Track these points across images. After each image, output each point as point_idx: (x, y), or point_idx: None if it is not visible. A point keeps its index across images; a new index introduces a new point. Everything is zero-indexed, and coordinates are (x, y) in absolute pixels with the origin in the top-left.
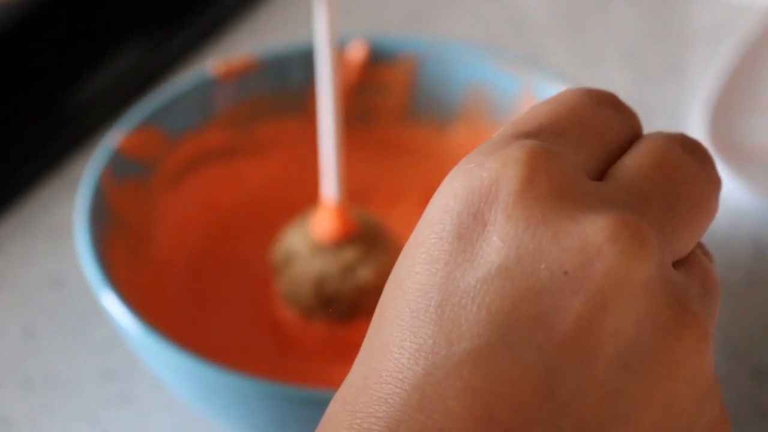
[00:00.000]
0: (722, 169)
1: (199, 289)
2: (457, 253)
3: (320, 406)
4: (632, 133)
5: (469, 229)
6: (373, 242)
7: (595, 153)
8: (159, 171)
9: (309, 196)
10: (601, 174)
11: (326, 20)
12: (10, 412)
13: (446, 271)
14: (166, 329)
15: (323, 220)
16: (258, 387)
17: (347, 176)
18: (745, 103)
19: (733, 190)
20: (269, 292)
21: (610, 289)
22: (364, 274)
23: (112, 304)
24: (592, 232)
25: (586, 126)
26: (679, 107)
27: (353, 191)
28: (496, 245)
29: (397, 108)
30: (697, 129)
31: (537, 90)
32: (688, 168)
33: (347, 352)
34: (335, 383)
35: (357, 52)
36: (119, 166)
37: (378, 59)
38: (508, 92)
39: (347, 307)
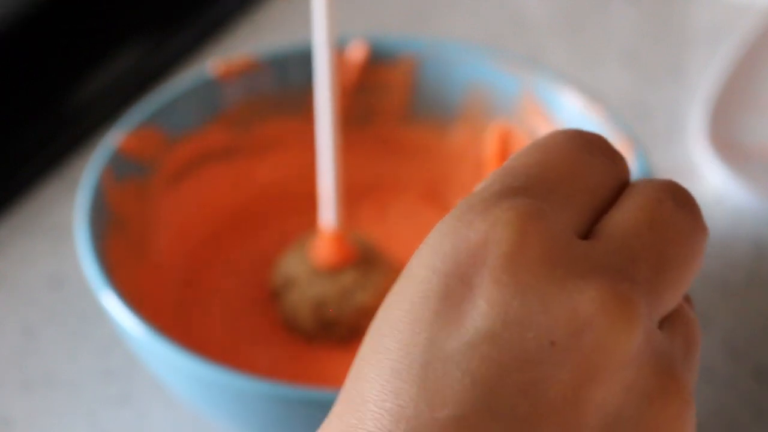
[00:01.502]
0: (722, 169)
1: (199, 289)
2: (442, 314)
3: (320, 406)
4: (621, 180)
5: (456, 290)
6: (369, 265)
7: (585, 207)
8: (159, 171)
9: (309, 196)
10: (590, 227)
11: (325, 28)
12: (10, 412)
13: (430, 333)
14: (166, 329)
15: (322, 247)
16: (258, 387)
17: (346, 177)
18: (745, 103)
19: (733, 190)
20: (270, 291)
21: (597, 361)
22: (363, 297)
23: (112, 304)
24: (582, 302)
25: (575, 178)
26: (679, 107)
27: (353, 191)
28: (482, 309)
29: (397, 108)
30: (697, 129)
31: (537, 90)
32: (677, 224)
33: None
34: (335, 383)
35: (357, 52)
36: (119, 166)
37: (378, 59)
38: (508, 92)
39: (347, 330)
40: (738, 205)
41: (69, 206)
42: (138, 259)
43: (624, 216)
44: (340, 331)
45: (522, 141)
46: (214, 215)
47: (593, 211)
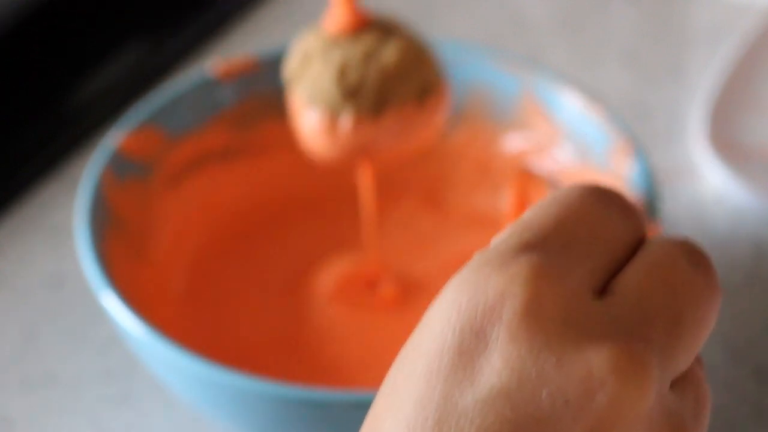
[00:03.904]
0: (722, 169)
1: (199, 289)
2: (457, 369)
3: (320, 406)
4: (637, 236)
5: (471, 345)
6: (388, 29)
7: (600, 264)
8: (159, 171)
9: (309, 196)
10: (605, 283)
11: None
12: (11, 412)
13: (445, 387)
14: (166, 329)
15: (335, 11)
16: (258, 387)
17: None
18: (745, 103)
19: (733, 190)
20: (269, 291)
21: (610, 421)
22: (387, 55)
23: (112, 304)
24: (596, 362)
25: (591, 234)
26: (679, 107)
27: (353, 190)
28: (497, 366)
29: None
30: (697, 129)
31: (537, 90)
32: (692, 284)
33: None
34: (335, 383)
35: None
36: (119, 166)
37: None
38: (508, 92)
39: (373, 96)
40: (738, 205)
41: (69, 206)
42: (138, 259)
43: (639, 275)
44: (367, 99)
45: (541, 185)
46: (213, 215)
47: (609, 266)
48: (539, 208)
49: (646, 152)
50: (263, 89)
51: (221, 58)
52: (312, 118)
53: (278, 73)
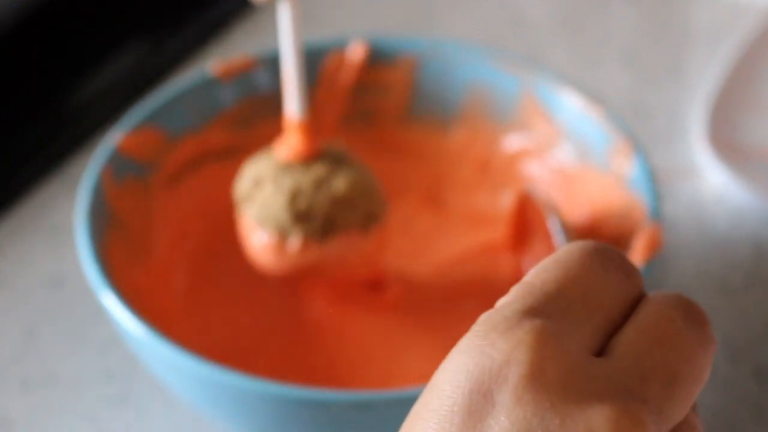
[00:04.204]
0: (722, 169)
1: (199, 289)
2: (467, 428)
3: (320, 406)
4: (635, 295)
5: (479, 407)
6: (339, 159)
7: (600, 324)
8: (159, 171)
9: None
10: (605, 341)
11: None
12: (11, 412)
13: None
14: (166, 329)
15: (290, 138)
16: (258, 387)
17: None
18: (745, 103)
19: (733, 190)
20: (268, 291)
21: None
22: (338, 185)
23: (112, 304)
24: (597, 421)
25: (591, 296)
26: (679, 107)
27: None
28: (504, 426)
29: (397, 108)
30: (697, 129)
31: (537, 90)
32: (687, 342)
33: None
34: (334, 383)
35: (357, 52)
36: (119, 166)
37: (378, 59)
38: (508, 92)
39: (322, 222)
40: (738, 205)
41: (69, 206)
42: (138, 259)
43: (636, 335)
44: (315, 224)
45: (540, 210)
46: (213, 214)
47: (607, 327)
48: (541, 271)
49: (646, 152)
50: (263, 89)
51: (221, 58)
52: (262, 238)
53: (278, 74)
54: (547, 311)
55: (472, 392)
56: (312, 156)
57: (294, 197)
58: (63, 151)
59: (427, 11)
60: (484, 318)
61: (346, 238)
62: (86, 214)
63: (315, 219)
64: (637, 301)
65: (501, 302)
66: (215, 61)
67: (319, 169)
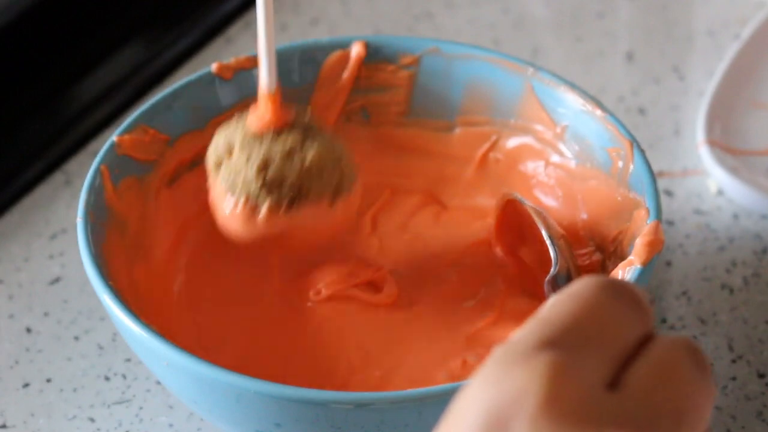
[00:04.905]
0: (722, 169)
1: (199, 288)
2: None
3: (320, 406)
4: (646, 330)
5: None
6: (309, 129)
7: (612, 358)
8: (159, 171)
9: None
10: (617, 374)
11: None
12: (10, 412)
13: None
14: (166, 329)
15: (261, 108)
16: (257, 387)
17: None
18: (745, 103)
19: (733, 190)
20: (268, 290)
21: None
22: (307, 155)
23: (111, 303)
24: None
25: (605, 330)
26: (679, 107)
27: None
28: None
29: (397, 107)
30: (697, 129)
31: (537, 90)
32: (694, 382)
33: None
34: (334, 383)
35: (357, 52)
36: (119, 165)
37: (378, 59)
38: (508, 92)
39: (291, 191)
40: (738, 205)
41: (69, 206)
42: (138, 259)
43: (647, 371)
44: (284, 193)
45: (526, 215)
46: (213, 215)
47: (619, 360)
48: (556, 305)
49: (646, 152)
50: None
51: (221, 58)
52: (231, 204)
53: (278, 73)
54: (562, 343)
55: (489, 421)
56: (282, 126)
57: (264, 165)
58: (63, 151)
59: (427, 11)
60: (501, 350)
61: (315, 207)
62: (86, 213)
63: (285, 188)
64: (647, 336)
65: (517, 334)
66: (215, 61)
67: (289, 139)
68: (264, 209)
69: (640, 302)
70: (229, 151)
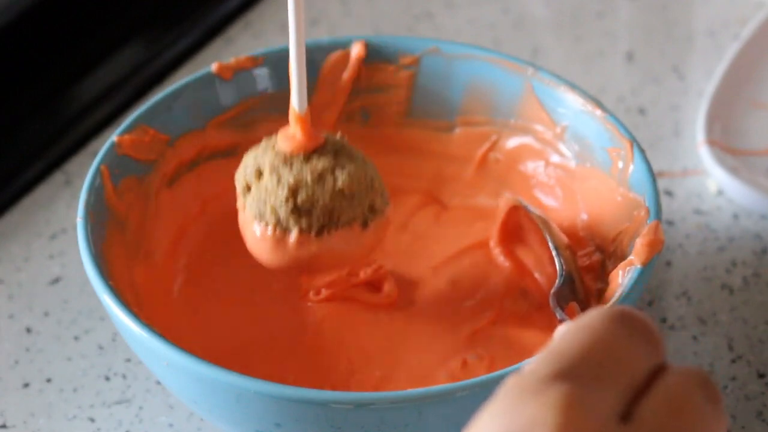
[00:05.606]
0: (722, 169)
1: (198, 289)
2: None
3: (320, 406)
4: (657, 362)
5: None
6: (340, 152)
7: (624, 389)
8: (159, 171)
9: None
10: (628, 406)
11: None
12: (10, 412)
13: None
14: (166, 329)
15: (291, 131)
16: (257, 387)
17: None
18: (745, 103)
19: (733, 190)
20: (268, 290)
21: None
22: (339, 179)
23: (111, 303)
24: None
25: (616, 362)
26: (679, 107)
27: None
28: None
29: (397, 108)
30: (697, 129)
31: (537, 90)
32: (706, 414)
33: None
34: (334, 383)
35: (357, 52)
36: (119, 165)
37: (378, 59)
38: (508, 92)
39: (322, 217)
40: (738, 205)
41: (69, 206)
42: (138, 258)
43: (660, 402)
44: (315, 219)
45: (529, 220)
46: (213, 214)
47: (631, 391)
48: (569, 337)
49: (646, 152)
50: (263, 89)
51: (221, 58)
52: (260, 229)
53: (278, 73)
54: (574, 375)
55: None
56: (313, 149)
57: (294, 189)
58: (63, 151)
59: (427, 11)
60: (513, 381)
61: (347, 231)
62: (86, 214)
63: (315, 214)
64: (659, 366)
65: (529, 366)
66: (215, 61)
67: (320, 163)
68: (294, 234)
69: (652, 333)
70: (258, 174)
